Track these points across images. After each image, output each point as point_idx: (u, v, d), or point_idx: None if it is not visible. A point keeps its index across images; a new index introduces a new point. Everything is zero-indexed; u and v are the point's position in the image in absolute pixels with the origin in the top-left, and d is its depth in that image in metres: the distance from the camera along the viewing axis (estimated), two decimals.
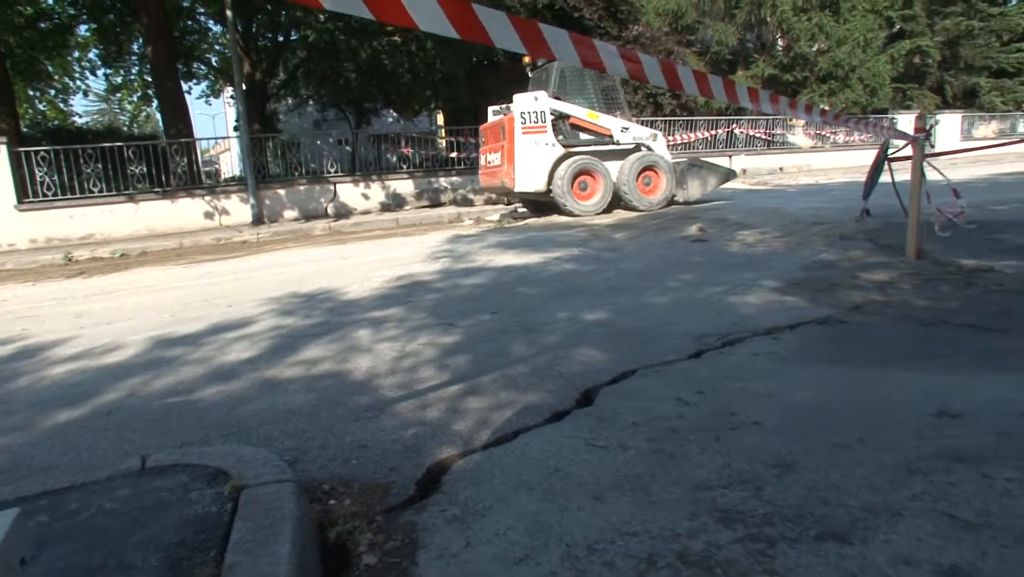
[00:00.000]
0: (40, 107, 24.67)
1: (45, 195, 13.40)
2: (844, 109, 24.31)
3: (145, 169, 14.20)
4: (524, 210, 13.35)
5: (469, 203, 16.25)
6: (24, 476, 2.38)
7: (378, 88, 17.07)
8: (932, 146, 9.54)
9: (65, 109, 25.39)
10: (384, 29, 16.18)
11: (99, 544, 1.68)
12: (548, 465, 2.24)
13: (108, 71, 21.54)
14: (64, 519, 1.81)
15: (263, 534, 1.63)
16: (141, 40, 18.53)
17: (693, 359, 3.31)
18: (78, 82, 23.23)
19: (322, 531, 1.92)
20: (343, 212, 15.64)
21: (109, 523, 1.77)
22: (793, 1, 23.07)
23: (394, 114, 21.61)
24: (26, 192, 13.26)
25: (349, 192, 16.18)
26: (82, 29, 19.77)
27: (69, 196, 13.61)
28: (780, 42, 25.63)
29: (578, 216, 11.15)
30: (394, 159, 17.39)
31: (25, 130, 18.75)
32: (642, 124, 12.87)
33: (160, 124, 19.41)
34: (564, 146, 11.23)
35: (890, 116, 24.59)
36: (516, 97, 11.13)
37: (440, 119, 24.97)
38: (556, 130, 11.24)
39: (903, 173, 5.78)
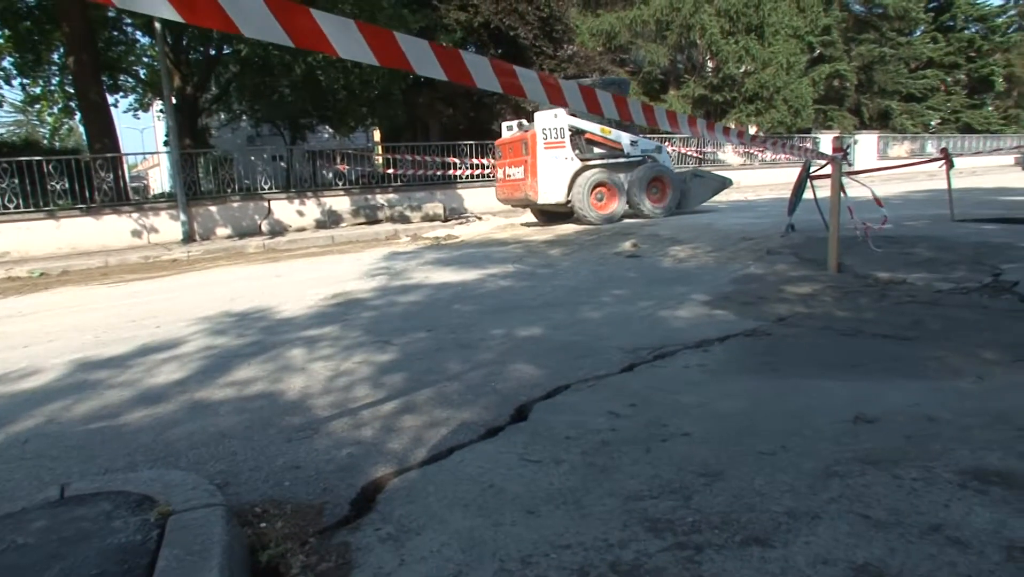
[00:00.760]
0: None
1: None
2: (771, 129, 25.29)
3: (68, 185, 13.65)
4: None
5: (406, 220, 16.18)
6: None
7: (313, 104, 16.86)
8: (850, 165, 10.02)
9: None
10: None
11: None
12: (482, 481, 2.26)
13: (26, 81, 20.62)
14: None
15: (191, 561, 1.60)
16: (63, 49, 17.82)
17: (626, 373, 3.39)
18: None
19: (254, 555, 1.89)
20: (278, 229, 15.37)
21: (21, 559, 1.69)
22: (721, 25, 23.95)
23: (330, 130, 21.39)
24: None
25: (284, 209, 15.92)
26: None
27: None
28: (709, 63, 26.55)
29: (597, 225, 11.68)
30: (330, 176, 17.21)
31: None
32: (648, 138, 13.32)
33: (84, 138, 18.68)
34: (581, 160, 11.91)
35: (813, 136, 25.67)
36: (537, 115, 11.79)
37: (377, 136, 24.84)
38: (573, 145, 11.91)
39: (826, 190, 6.05)
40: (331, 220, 16.29)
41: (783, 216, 8.39)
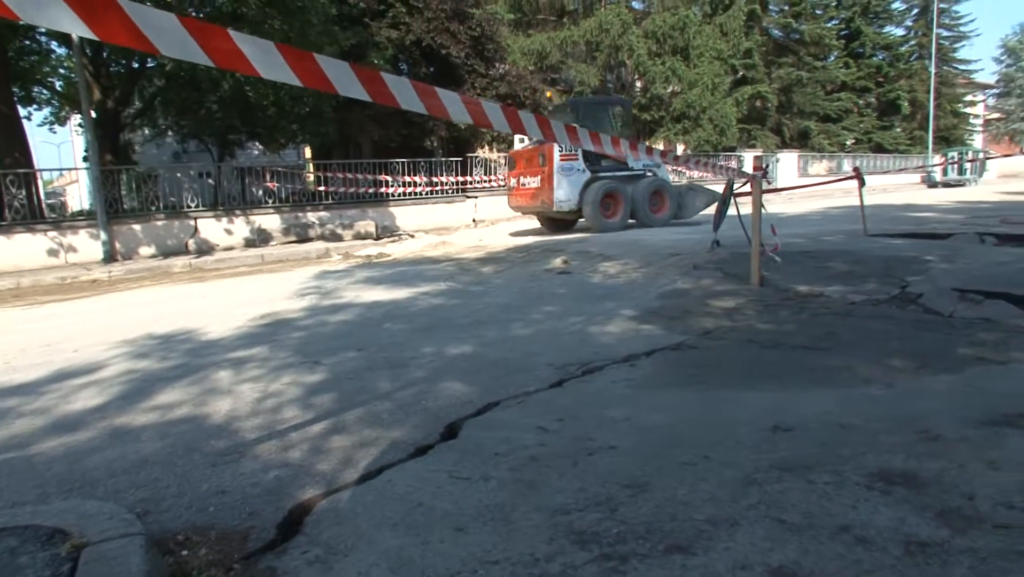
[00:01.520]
0: None
1: None
2: (697, 147, 26.10)
3: None
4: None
5: (338, 238, 15.99)
6: None
7: (242, 120, 16.49)
8: (770, 183, 10.48)
9: None
10: None
11: None
12: (411, 500, 2.26)
13: None
14: None
15: None
16: None
17: (555, 388, 3.44)
18: None
19: None
20: (205, 248, 14.94)
21: None
22: (648, 46, 24.65)
23: (260, 147, 20.97)
24: None
25: (212, 227, 15.49)
26: None
27: None
28: (638, 83, 27.26)
29: (604, 232, 12.72)
30: (260, 193, 16.84)
31: None
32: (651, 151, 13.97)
33: None
34: (591, 171, 13.10)
35: (738, 154, 26.60)
36: None
37: (308, 153, 24.49)
38: (584, 157, 13.00)
39: (749, 207, 6.28)
40: (261, 239, 15.94)
41: (710, 232, 8.67)
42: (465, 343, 4.54)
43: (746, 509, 2.09)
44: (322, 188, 17.09)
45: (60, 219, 15.51)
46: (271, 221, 16.30)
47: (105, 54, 16.42)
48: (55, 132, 30.46)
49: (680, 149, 27.47)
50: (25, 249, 13.27)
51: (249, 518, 2.22)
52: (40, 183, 15.94)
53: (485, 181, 19.56)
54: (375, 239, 15.44)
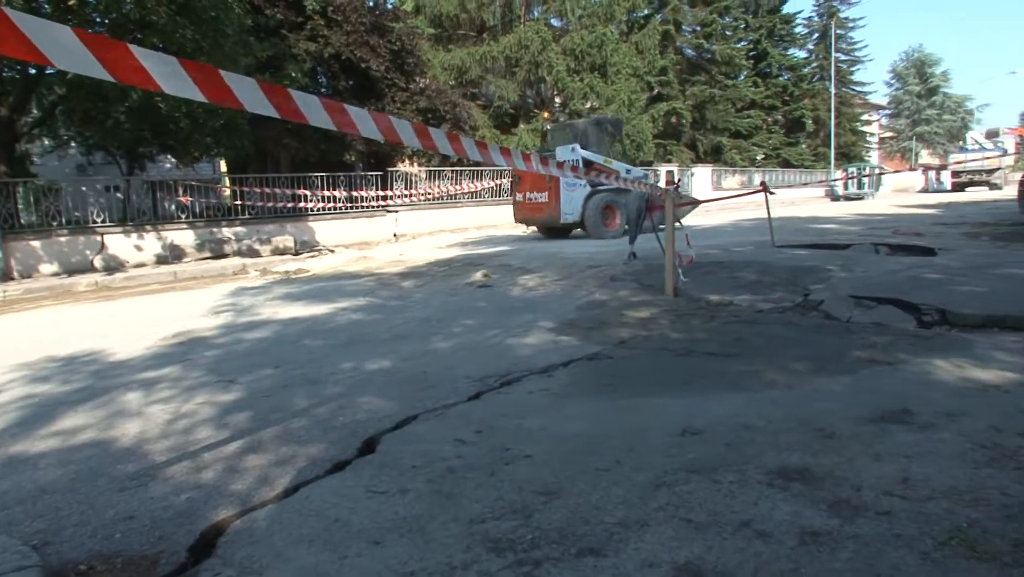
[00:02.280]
0: None
1: None
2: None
3: None
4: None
5: (255, 254, 15.57)
6: None
7: (153, 132, 15.80)
8: (681, 197, 10.90)
9: None
10: None
11: None
12: (328, 516, 2.25)
13: None
14: None
15: None
16: None
17: (473, 400, 3.48)
18: None
19: None
20: (113, 265, 14.28)
21: None
22: (567, 63, 25.14)
23: (172, 160, 20.23)
24: None
25: (120, 243, 14.82)
26: None
27: None
28: (557, 99, 27.73)
29: (605, 241, 13.34)
30: (172, 208, 16.23)
31: None
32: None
33: None
34: (591, 186, 14.01)
35: (654, 168, 27.38)
36: (558, 149, 14.53)
37: (223, 166, 23.81)
38: (585, 173, 13.12)
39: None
40: (173, 255, 15.36)
41: (627, 244, 8.91)
42: (384, 358, 4.52)
43: (655, 510, 2.17)
44: (239, 203, 16.61)
45: None
46: (185, 237, 15.73)
47: None
48: None
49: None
50: None
51: (159, 542, 2.16)
52: None
53: (406, 195, 19.44)
54: (294, 254, 15.13)
